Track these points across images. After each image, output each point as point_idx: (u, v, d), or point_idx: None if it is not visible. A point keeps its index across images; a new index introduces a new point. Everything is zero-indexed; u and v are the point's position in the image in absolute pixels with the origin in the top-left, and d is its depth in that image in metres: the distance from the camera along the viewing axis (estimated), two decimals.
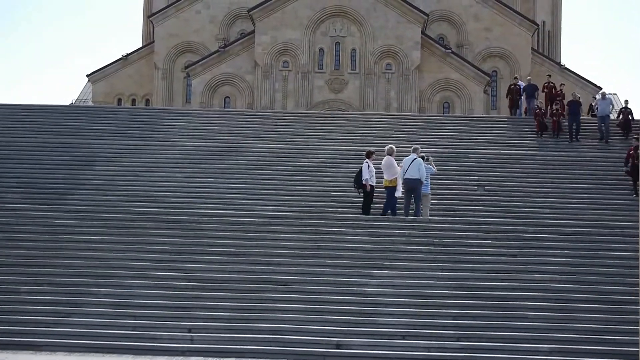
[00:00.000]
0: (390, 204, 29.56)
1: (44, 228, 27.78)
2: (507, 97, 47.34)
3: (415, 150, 29.88)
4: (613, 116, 43.55)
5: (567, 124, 40.38)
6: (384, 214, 29.56)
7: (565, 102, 41.98)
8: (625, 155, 34.66)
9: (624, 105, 42.35)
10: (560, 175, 34.59)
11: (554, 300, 23.78)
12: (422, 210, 29.53)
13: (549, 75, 48.19)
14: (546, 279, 24.84)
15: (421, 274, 25.13)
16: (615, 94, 75.98)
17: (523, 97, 46.20)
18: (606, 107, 40.95)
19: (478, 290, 24.22)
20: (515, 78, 49.06)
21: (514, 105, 46.29)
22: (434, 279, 24.92)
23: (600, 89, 64.56)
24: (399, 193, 29.55)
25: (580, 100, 42.42)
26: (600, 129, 40.46)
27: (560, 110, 41.42)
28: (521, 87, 46.70)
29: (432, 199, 30.34)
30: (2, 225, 27.83)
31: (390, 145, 30.60)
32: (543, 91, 45.36)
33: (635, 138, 33.00)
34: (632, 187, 33.39)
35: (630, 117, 41.56)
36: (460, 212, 30.61)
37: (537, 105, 42.66)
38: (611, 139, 39.48)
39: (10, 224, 27.96)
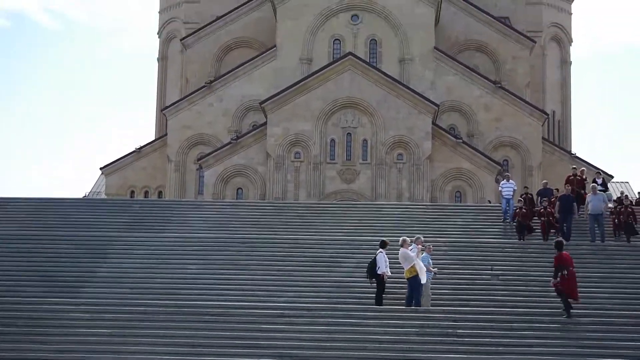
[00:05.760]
0: (415, 296, 29.30)
1: (58, 321, 27.67)
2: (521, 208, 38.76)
3: (417, 240, 29.93)
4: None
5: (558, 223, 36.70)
6: (408, 305, 29.40)
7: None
8: None
9: (621, 204, 37.38)
10: (578, 263, 34.28)
11: None
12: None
13: (575, 168, 43.75)
14: None
15: None
16: (627, 182, 76.10)
17: (509, 198, 41.09)
18: (598, 204, 36.49)
19: None
20: (526, 187, 43.52)
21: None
22: None
23: (612, 177, 64.65)
24: (424, 279, 29.37)
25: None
26: (592, 231, 36.26)
27: (550, 208, 37.46)
28: (504, 187, 41.64)
29: (445, 289, 30.15)
30: (16, 318, 27.76)
31: (403, 237, 30.60)
32: (566, 184, 39.58)
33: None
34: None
35: (631, 218, 36.49)
36: (475, 302, 30.42)
37: (517, 205, 38.38)
38: (609, 239, 36.77)
39: (24, 317, 27.88)
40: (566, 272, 27.56)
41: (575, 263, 28.53)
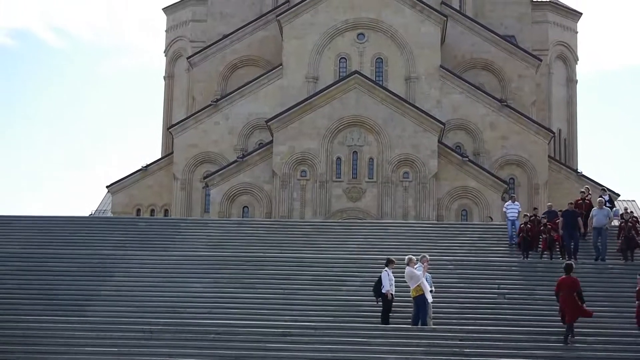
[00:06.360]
0: (421, 315, 29.13)
1: (62, 340, 27.60)
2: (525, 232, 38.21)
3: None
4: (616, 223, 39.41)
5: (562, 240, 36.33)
6: (414, 324, 29.24)
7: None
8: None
9: (623, 219, 36.89)
10: (582, 283, 34.14)
11: None
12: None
13: (583, 192, 42.36)
14: None
15: None
16: (634, 200, 75.90)
17: (514, 219, 40.71)
18: (603, 218, 36.39)
19: None
20: (535, 209, 42.94)
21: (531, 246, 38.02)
22: None
23: (618, 195, 64.45)
24: (429, 298, 29.21)
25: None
26: (596, 246, 36.13)
27: (552, 225, 36.99)
28: (509, 208, 41.48)
29: (452, 308, 30.01)
30: (20, 337, 27.70)
31: (409, 256, 30.46)
32: (575, 206, 38.94)
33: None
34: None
35: (634, 233, 35.92)
36: (481, 321, 30.28)
37: (523, 222, 38.17)
38: (610, 258, 36.43)
39: (28, 336, 27.83)
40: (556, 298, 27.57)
41: (580, 282, 28.22)
